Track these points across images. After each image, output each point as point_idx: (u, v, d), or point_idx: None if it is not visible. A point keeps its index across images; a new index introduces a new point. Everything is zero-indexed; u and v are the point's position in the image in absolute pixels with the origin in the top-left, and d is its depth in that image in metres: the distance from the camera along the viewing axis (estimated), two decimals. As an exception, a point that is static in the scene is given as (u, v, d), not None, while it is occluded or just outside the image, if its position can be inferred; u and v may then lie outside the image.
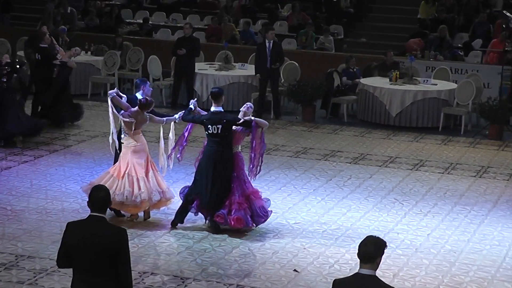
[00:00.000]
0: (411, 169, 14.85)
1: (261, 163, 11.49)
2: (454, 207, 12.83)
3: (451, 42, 22.23)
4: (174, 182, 12.92)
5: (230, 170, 11.17)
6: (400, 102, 18.14)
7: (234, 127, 11.20)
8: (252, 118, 11.23)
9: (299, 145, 16.27)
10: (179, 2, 26.30)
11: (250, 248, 10.73)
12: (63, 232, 6.72)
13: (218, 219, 11.14)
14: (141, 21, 24.71)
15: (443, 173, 14.74)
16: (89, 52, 20.98)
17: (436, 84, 18.81)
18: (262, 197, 11.51)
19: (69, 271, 6.71)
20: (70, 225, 6.71)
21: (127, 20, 25.16)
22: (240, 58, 20.53)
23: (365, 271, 6.04)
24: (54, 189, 12.81)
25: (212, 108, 11.22)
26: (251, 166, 11.37)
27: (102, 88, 20.41)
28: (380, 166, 15.00)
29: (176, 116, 11.62)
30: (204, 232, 11.23)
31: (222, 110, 11.23)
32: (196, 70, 19.37)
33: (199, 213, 11.46)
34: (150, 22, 24.64)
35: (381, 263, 6.13)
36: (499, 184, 14.21)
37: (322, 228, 11.60)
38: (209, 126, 11.06)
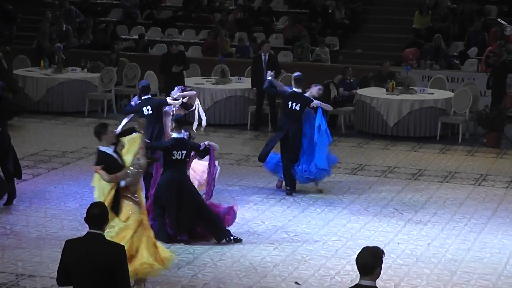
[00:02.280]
0: (410, 179, 14.85)
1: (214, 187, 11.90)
2: (453, 215, 12.83)
3: (446, 51, 22.26)
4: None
5: (195, 190, 11.54)
6: (397, 112, 18.15)
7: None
8: (208, 143, 11.59)
9: (297, 157, 16.24)
10: (174, 17, 26.33)
11: (250, 262, 10.72)
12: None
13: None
14: (137, 37, 24.74)
15: (442, 182, 14.74)
16: (85, 69, 21.00)
17: (433, 93, 18.83)
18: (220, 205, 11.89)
19: (70, 288, 6.71)
20: (68, 243, 6.73)
21: (123, 36, 25.18)
22: (236, 72, 20.55)
23: (365, 282, 6.05)
24: (54, 207, 12.81)
25: (175, 135, 11.38)
26: (208, 189, 11.76)
27: (99, 105, 20.41)
28: (379, 176, 15.00)
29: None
30: (204, 246, 11.22)
31: (184, 137, 11.46)
32: (192, 85, 19.37)
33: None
34: (145, 38, 24.67)
35: (381, 273, 6.13)
36: (498, 191, 14.21)
37: (323, 240, 11.60)
38: (174, 152, 11.23)
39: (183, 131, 11.43)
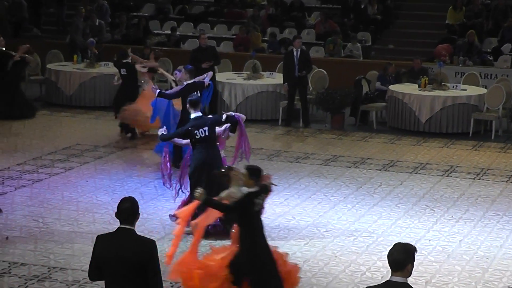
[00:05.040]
0: (441, 175, 14.77)
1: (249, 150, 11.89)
2: (486, 212, 12.74)
3: (479, 47, 22.11)
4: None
5: None
6: (429, 108, 18.05)
7: (217, 130, 11.43)
8: (233, 113, 11.52)
9: (328, 153, 16.24)
10: (206, 13, 26.38)
11: (281, 257, 10.70)
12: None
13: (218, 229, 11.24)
14: (169, 32, 24.80)
15: (474, 178, 14.65)
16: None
17: (466, 90, 18.70)
18: None
19: (101, 283, 6.73)
20: (100, 238, 6.74)
21: (155, 31, 25.27)
22: (268, 67, 20.54)
23: (397, 279, 6.01)
24: (85, 200, 12.88)
25: (193, 115, 11.39)
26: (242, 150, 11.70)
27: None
28: (410, 172, 14.94)
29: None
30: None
31: (202, 114, 11.46)
32: (224, 80, 19.41)
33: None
34: (177, 33, 24.73)
35: (413, 269, 6.09)
36: (531, 189, 14.10)
37: (353, 236, 11.57)
38: (195, 132, 11.21)
39: (200, 109, 11.46)
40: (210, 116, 11.66)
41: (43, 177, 14.12)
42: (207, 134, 11.20)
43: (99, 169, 14.74)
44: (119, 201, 6.73)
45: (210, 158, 11.21)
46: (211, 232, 11.12)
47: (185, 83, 14.17)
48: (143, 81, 17.17)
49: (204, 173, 11.17)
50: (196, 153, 11.35)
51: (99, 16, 24.67)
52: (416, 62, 19.72)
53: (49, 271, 10.06)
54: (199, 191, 8.72)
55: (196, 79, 14.21)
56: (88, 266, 6.83)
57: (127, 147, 16.42)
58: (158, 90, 14.09)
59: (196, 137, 11.23)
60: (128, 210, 6.60)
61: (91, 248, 6.77)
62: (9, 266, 10.17)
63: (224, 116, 11.38)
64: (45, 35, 25.78)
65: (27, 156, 15.44)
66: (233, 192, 9.07)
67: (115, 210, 6.71)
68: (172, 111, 14.76)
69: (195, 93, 13.27)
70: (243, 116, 11.61)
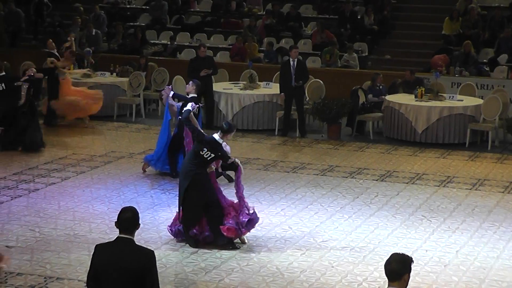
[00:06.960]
0: (438, 186, 14.77)
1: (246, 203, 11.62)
2: (482, 223, 12.73)
3: (476, 57, 22.15)
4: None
5: (202, 191, 11.31)
6: (426, 118, 18.07)
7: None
8: (238, 162, 11.52)
9: (325, 163, 16.24)
10: (203, 23, 26.41)
11: (278, 267, 10.70)
12: (91, 253, 6.73)
13: (193, 235, 11.39)
14: (166, 42, 24.83)
15: (471, 189, 14.65)
16: (114, 74, 21.09)
17: (462, 100, 18.73)
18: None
19: (98, 292, 6.72)
20: (99, 247, 6.71)
21: (152, 41, 25.30)
22: (264, 77, 20.56)
23: (393, 289, 6.01)
24: (82, 210, 12.85)
25: (216, 136, 11.39)
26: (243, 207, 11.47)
27: (128, 109, 20.49)
28: (407, 183, 14.93)
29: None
30: (231, 251, 11.21)
31: (222, 144, 11.42)
32: (221, 90, 19.42)
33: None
34: (174, 42, 24.75)
35: (410, 280, 6.09)
36: (527, 199, 14.09)
37: (350, 246, 11.55)
38: (204, 149, 11.27)
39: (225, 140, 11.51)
40: (223, 150, 11.51)
41: (39, 187, 14.09)
42: (208, 159, 11.29)
43: (96, 178, 14.72)
44: (118, 210, 6.71)
45: (195, 176, 11.27)
46: (200, 241, 11.34)
47: (190, 96, 14.13)
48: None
49: (184, 184, 11.34)
50: (187, 162, 11.51)
51: (95, 26, 24.72)
52: (407, 73, 19.75)
53: (45, 281, 10.03)
54: None
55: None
56: (84, 275, 6.80)
57: (123, 156, 16.40)
58: (172, 92, 14.21)
59: (201, 152, 11.28)
60: (129, 220, 6.59)
61: (88, 258, 6.75)
62: (5, 276, 10.12)
63: (230, 160, 11.47)
64: (41, 44, 25.78)
65: (24, 165, 15.42)
66: None
67: (112, 220, 6.69)
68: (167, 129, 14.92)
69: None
70: (241, 172, 11.55)
